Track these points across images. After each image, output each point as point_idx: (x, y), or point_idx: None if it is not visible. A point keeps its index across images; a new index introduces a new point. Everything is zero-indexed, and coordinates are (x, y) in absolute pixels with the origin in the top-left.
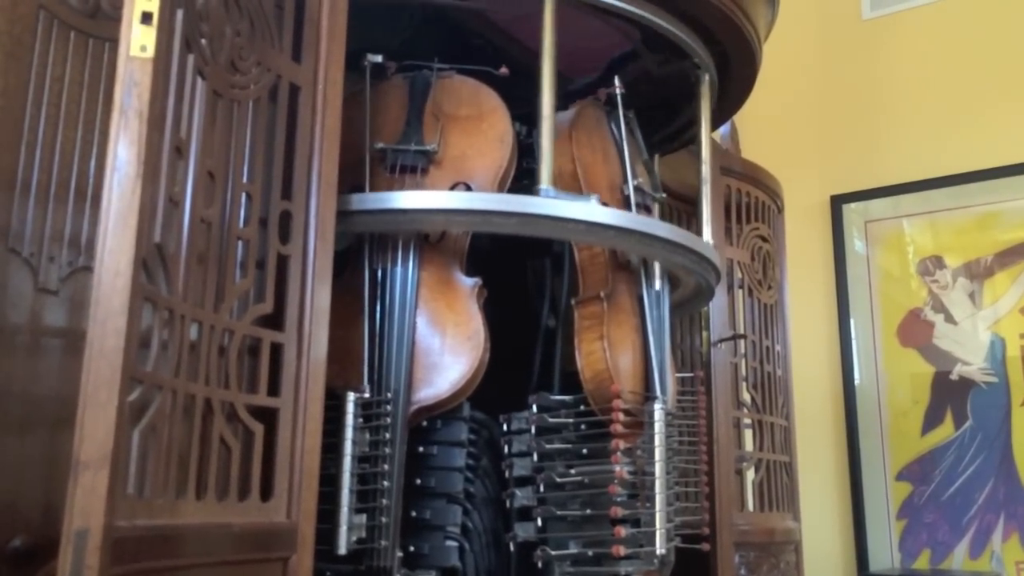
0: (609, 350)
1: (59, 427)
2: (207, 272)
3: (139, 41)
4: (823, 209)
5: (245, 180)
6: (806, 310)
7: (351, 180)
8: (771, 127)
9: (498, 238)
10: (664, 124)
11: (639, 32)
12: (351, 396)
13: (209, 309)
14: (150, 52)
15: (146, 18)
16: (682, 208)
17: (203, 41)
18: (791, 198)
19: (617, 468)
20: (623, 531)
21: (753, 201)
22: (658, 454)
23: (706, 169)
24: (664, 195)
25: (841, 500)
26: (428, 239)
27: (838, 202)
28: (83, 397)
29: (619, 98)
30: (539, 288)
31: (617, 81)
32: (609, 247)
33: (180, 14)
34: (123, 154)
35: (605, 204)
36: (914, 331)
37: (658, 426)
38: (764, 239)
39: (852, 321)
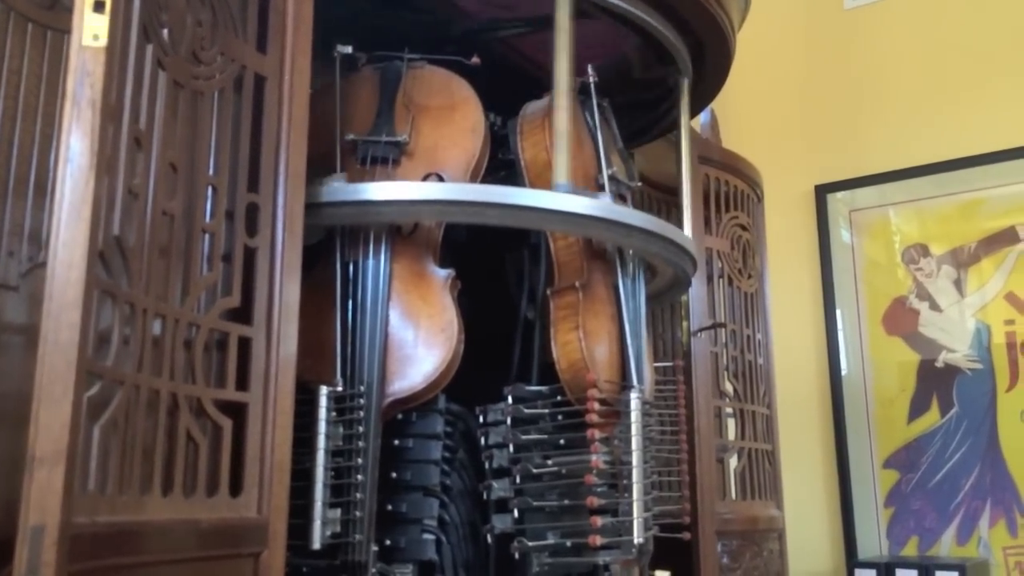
0: (585, 340)
1: (22, 425)
2: (171, 266)
3: (91, 30)
4: (808, 199)
5: (210, 172)
6: (792, 300)
7: (321, 172)
8: (755, 118)
9: (476, 229)
10: (640, 113)
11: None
12: (324, 390)
13: (174, 303)
14: (103, 41)
15: (98, 7)
16: (660, 197)
17: (163, 31)
18: (775, 188)
19: (593, 458)
20: (600, 521)
21: (732, 190)
22: (635, 443)
23: (685, 161)
24: (639, 184)
25: (829, 489)
26: (400, 231)
27: (822, 192)
28: (37, 392)
29: (593, 87)
30: (517, 279)
31: (591, 69)
32: (583, 236)
33: (137, 3)
34: (76, 145)
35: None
36: (899, 319)
37: (634, 415)
38: (744, 228)
39: (838, 311)
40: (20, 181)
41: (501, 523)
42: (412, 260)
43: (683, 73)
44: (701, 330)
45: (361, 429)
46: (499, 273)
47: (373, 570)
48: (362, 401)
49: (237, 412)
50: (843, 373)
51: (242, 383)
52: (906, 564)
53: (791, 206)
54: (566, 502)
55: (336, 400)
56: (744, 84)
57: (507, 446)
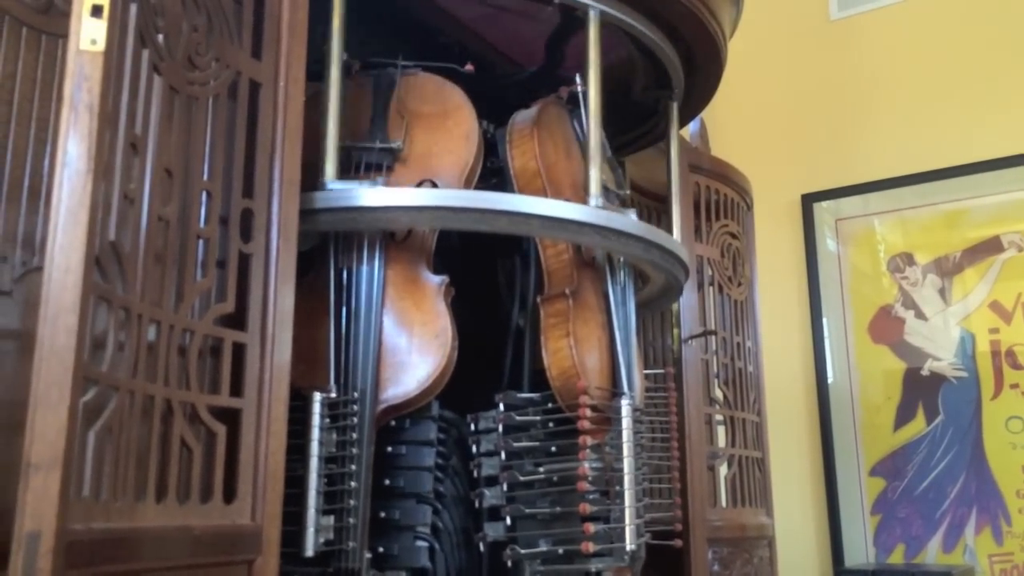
0: (575, 347)
1: (15, 431)
2: (166, 271)
3: (89, 35)
4: (794, 208)
5: (205, 178)
6: (779, 309)
7: (315, 178)
8: (742, 127)
9: (469, 236)
10: (631, 121)
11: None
12: (317, 396)
13: (168, 308)
14: (100, 46)
15: (96, 11)
16: (652, 205)
17: (159, 36)
18: (762, 197)
19: (584, 465)
20: (592, 528)
21: (722, 198)
22: (626, 450)
23: (675, 169)
24: (628, 192)
25: (816, 496)
26: (394, 237)
27: (809, 201)
28: (34, 397)
29: (581, 96)
30: (509, 286)
31: (579, 79)
32: (575, 243)
33: (134, 8)
34: (73, 149)
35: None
36: (885, 328)
37: (625, 422)
38: (734, 236)
39: (824, 319)
40: (14, 185)
41: (493, 531)
42: (406, 266)
43: (674, 83)
44: (692, 337)
45: (354, 436)
46: (492, 280)
47: None
48: (355, 407)
49: (231, 418)
50: (829, 381)
51: (236, 389)
52: (893, 572)
53: (778, 215)
54: (558, 509)
55: (330, 406)
56: (731, 94)
57: (499, 454)
